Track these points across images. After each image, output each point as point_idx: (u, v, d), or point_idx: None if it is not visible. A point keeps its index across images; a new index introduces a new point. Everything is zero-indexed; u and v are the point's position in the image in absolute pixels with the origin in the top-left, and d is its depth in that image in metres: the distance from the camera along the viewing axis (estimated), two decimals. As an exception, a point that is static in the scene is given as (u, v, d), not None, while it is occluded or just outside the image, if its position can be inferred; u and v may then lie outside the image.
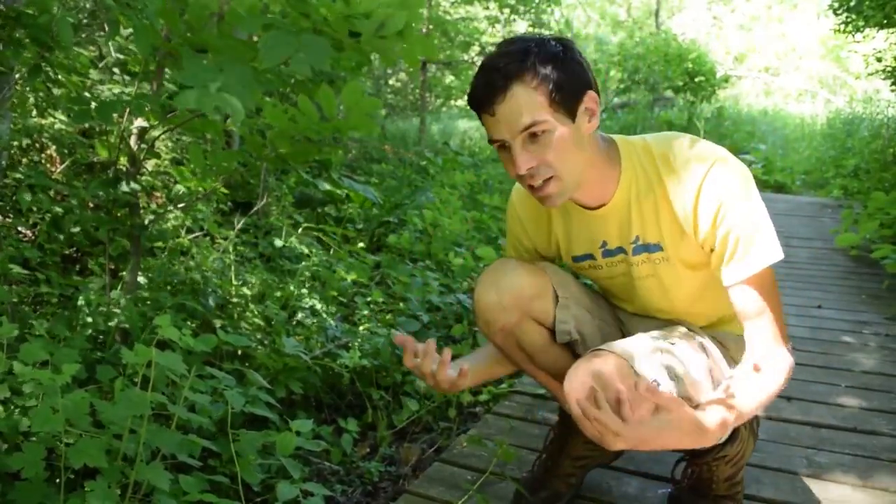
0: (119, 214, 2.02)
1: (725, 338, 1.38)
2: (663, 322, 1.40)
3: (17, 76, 2.06)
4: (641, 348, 1.19)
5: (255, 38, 1.62)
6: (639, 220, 1.25)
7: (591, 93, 1.17)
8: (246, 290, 2.44)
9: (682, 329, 1.36)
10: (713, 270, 1.22)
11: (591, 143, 1.20)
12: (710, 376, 1.25)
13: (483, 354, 1.52)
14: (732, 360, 1.35)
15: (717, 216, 1.16)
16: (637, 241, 1.27)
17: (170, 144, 3.35)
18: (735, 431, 1.39)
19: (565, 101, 1.14)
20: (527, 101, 1.12)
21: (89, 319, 1.88)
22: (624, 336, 1.45)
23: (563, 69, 1.13)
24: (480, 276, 1.41)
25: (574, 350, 1.46)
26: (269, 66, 1.31)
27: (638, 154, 1.24)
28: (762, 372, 1.17)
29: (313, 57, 1.24)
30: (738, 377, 1.18)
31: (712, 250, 1.20)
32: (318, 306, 2.49)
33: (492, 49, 1.23)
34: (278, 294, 2.53)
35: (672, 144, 1.23)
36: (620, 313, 1.51)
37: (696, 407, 1.15)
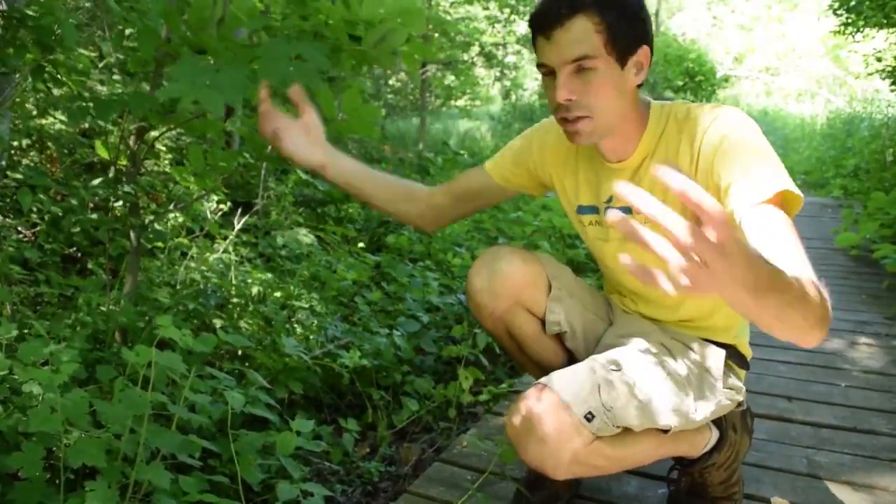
0: (119, 214, 2.02)
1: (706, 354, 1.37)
2: (646, 331, 1.39)
3: (17, 76, 2.06)
4: (581, 380, 1.18)
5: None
6: (648, 183, 1.26)
7: (645, 48, 1.19)
8: (246, 290, 2.43)
9: (654, 343, 1.34)
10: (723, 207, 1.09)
11: (630, 97, 1.22)
12: (652, 404, 1.22)
13: (361, 168, 1.51)
14: (705, 370, 1.33)
15: (722, 145, 1.15)
16: None
17: (169, 144, 3.36)
18: (722, 438, 1.38)
19: (620, 49, 1.16)
20: (585, 35, 1.14)
21: (89, 319, 1.88)
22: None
23: (628, 18, 1.16)
24: (476, 261, 1.42)
25: (563, 342, 1.46)
26: (271, 81, 1.32)
27: (665, 118, 1.26)
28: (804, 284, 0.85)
29: (307, 76, 1.24)
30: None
31: (718, 189, 1.14)
32: (318, 306, 2.49)
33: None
34: (278, 294, 2.52)
35: (691, 106, 1.25)
36: (612, 313, 1.51)
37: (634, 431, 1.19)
